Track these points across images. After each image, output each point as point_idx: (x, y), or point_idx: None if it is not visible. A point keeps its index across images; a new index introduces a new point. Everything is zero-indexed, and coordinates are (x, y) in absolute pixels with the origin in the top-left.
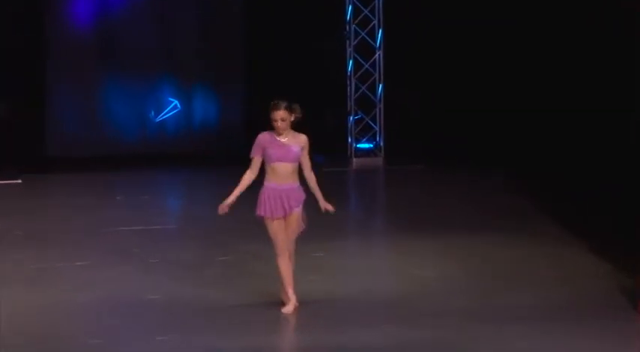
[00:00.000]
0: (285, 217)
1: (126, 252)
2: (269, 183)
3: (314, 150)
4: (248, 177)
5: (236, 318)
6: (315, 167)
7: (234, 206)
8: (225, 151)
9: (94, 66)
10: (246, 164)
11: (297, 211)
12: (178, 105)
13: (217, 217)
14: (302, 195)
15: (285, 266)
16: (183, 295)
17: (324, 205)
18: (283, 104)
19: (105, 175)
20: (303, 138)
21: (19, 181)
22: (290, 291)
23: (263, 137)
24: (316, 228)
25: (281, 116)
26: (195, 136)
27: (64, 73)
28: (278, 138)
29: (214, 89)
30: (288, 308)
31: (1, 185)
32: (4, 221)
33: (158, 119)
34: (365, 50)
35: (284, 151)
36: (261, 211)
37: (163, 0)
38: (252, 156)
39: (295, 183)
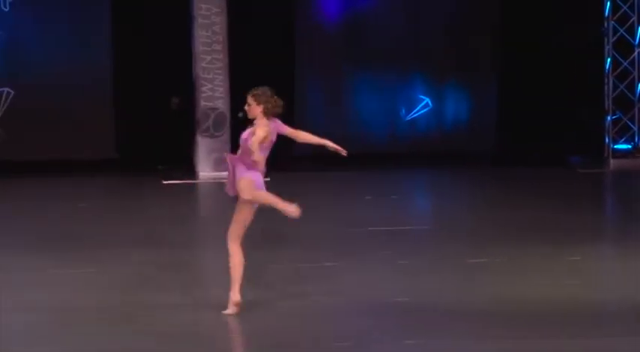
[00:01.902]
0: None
1: (375, 253)
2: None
3: (570, 151)
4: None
5: (487, 322)
6: (570, 168)
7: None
8: (477, 151)
9: (342, 63)
10: (498, 164)
11: None
12: (430, 103)
13: (469, 218)
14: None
15: None
16: (433, 298)
17: (333, 146)
18: (253, 91)
19: (353, 174)
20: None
21: (268, 179)
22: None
23: None
24: (570, 231)
25: (247, 101)
26: (446, 135)
27: (312, 71)
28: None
29: (467, 87)
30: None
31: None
32: (253, 220)
33: (408, 117)
34: (624, 47)
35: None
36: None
37: None
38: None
39: None
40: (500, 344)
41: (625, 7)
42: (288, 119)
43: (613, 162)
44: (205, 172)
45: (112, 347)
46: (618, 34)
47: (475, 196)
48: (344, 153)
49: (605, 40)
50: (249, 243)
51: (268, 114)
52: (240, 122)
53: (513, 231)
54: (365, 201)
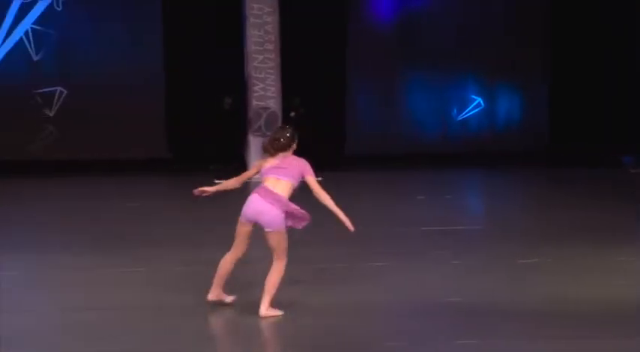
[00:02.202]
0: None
1: (427, 253)
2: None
3: (622, 151)
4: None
5: (539, 322)
6: (622, 168)
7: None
8: (529, 151)
9: (394, 63)
10: (550, 164)
11: None
12: (481, 102)
13: (522, 218)
14: None
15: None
16: (485, 298)
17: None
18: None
19: (404, 174)
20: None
21: (320, 179)
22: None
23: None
24: (621, 231)
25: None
26: (497, 135)
27: (364, 71)
28: None
29: (518, 87)
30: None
31: (302, 182)
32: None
33: (460, 117)
34: None
35: None
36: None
37: None
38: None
39: None
40: (552, 344)
41: None
42: (340, 119)
43: None
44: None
45: (165, 346)
46: None
47: (527, 196)
48: (351, 228)
49: None
50: (305, 243)
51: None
52: (292, 121)
53: (565, 231)
54: (417, 201)
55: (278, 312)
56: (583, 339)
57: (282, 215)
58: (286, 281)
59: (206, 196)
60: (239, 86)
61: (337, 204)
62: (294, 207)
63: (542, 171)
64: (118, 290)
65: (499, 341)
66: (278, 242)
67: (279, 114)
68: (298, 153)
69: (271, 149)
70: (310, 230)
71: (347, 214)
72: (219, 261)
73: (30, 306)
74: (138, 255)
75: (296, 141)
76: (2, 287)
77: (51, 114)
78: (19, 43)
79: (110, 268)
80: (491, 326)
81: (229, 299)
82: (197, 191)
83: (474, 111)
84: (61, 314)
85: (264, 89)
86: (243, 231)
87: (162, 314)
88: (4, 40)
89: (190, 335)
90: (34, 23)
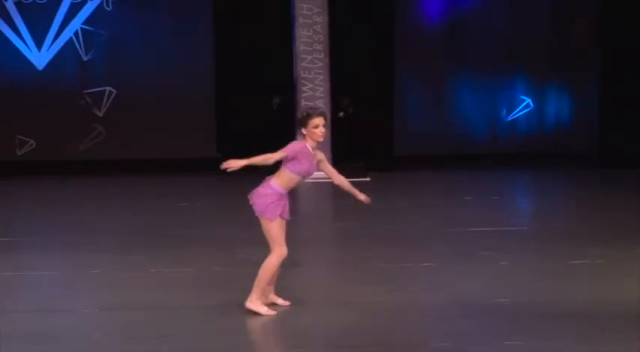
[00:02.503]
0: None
1: (474, 254)
2: (281, 188)
3: None
4: (270, 157)
5: (588, 323)
6: None
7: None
8: (579, 152)
9: (443, 63)
10: (600, 165)
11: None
12: (531, 103)
13: (570, 219)
14: None
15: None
16: (533, 299)
17: (364, 198)
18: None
19: (453, 174)
20: (319, 153)
21: (368, 179)
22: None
23: (302, 147)
24: None
25: (321, 122)
26: (547, 136)
27: (412, 71)
28: (312, 152)
29: (568, 87)
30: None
31: (350, 182)
32: (352, 219)
33: (509, 118)
34: None
35: (313, 167)
36: (277, 214)
37: None
38: (283, 151)
39: None
40: (601, 346)
41: None
42: (388, 120)
43: None
44: None
45: (207, 346)
46: None
47: (577, 197)
48: (367, 200)
49: None
50: (352, 243)
51: None
52: (341, 121)
53: (615, 232)
54: (465, 201)
55: (262, 309)
56: (632, 341)
57: (264, 201)
58: (334, 280)
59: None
60: (288, 86)
61: (385, 203)
62: (260, 191)
63: (593, 172)
64: (162, 290)
65: (547, 342)
66: (264, 230)
67: (328, 114)
68: (348, 152)
69: None
70: (359, 231)
71: (394, 214)
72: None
73: (72, 306)
74: (184, 255)
75: (302, 125)
76: (44, 287)
77: (100, 114)
78: (69, 43)
79: (155, 268)
80: (539, 327)
81: (280, 301)
82: (225, 164)
83: (523, 112)
84: (102, 313)
85: (313, 89)
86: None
87: (204, 313)
88: (53, 41)
89: (232, 335)
90: (83, 23)
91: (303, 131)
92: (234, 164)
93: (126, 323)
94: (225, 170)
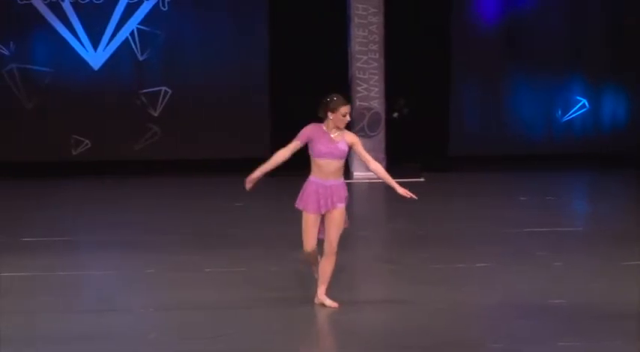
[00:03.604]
0: (324, 213)
1: (529, 254)
2: (314, 177)
3: None
4: (281, 154)
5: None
6: None
7: None
8: (636, 153)
9: (499, 64)
10: None
11: (341, 207)
12: (586, 104)
13: (625, 220)
14: (345, 192)
15: (329, 266)
16: (587, 299)
17: (403, 191)
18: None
19: (508, 175)
20: (351, 135)
21: (422, 180)
22: (322, 290)
23: (314, 128)
24: None
25: (349, 111)
26: (603, 137)
27: (468, 72)
28: (330, 133)
29: (624, 89)
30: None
31: (405, 183)
32: (407, 219)
33: (565, 118)
34: None
35: (332, 148)
36: (300, 204)
37: None
38: (295, 139)
39: (339, 179)
40: None
41: None
42: (444, 120)
43: None
44: (360, 172)
45: (264, 346)
46: None
47: (632, 198)
48: (413, 196)
49: None
50: (407, 244)
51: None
52: (395, 122)
53: None
54: (520, 202)
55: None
56: None
57: (301, 193)
58: (389, 281)
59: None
60: (343, 87)
61: (441, 204)
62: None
63: None
64: (216, 289)
65: (601, 343)
66: None
67: (383, 114)
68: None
69: None
70: (413, 231)
71: (449, 214)
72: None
73: (127, 305)
74: (237, 255)
75: (331, 110)
76: (100, 287)
77: (155, 114)
78: (125, 43)
79: (210, 267)
80: (593, 328)
81: (329, 302)
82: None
83: (578, 113)
84: (158, 313)
85: (368, 90)
86: None
87: (258, 313)
88: (109, 41)
89: (288, 335)
90: (139, 23)
91: (330, 115)
92: (248, 182)
93: (181, 322)
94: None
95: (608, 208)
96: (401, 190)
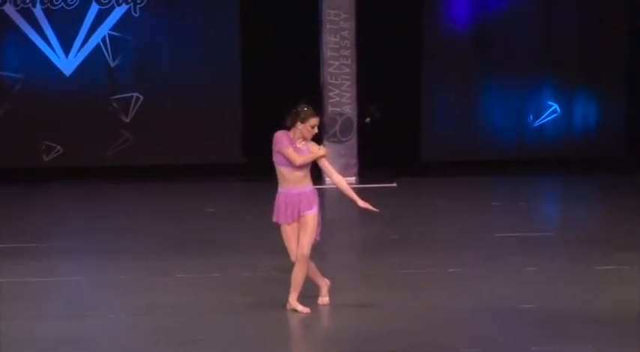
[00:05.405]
0: (297, 221)
1: (502, 259)
2: (281, 188)
3: None
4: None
5: (614, 329)
6: None
7: None
8: (607, 158)
9: (470, 69)
10: (627, 171)
11: (310, 213)
12: (558, 109)
13: (598, 225)
14: (315, 198)
15: (301, 272)
16: (560, 304)
17: (363, 204)
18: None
19: (480, 180)
20: (315, 146)
21: (395, 185)
22: (294, 296)
23: (285, 136)
24: None
25: (318, 123)
26: (574, 141)
27: (440, 77)
28: (296, 143)
29: (595, 93)
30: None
31: (377, 188)
32: (380, 224)
33: (537, 123)
34: None
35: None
36: (275, 218)
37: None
38: (285, 149)
39: (306, 186)
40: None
41: None
42: (416, 125)
43: None
44: None
45: (238, 350)
46: None
47: (604, 203)
48: (374, 209)
49: None
50: (380, 249)
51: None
52: (368, 127)
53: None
54: (493, 207)
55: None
56: None
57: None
58: (362, 286)
59: None
60: (314, 92)
61: (413, 209)
62: None
63: (620, 177)
64: (189, 295)
65: (574, 347)
66: None
67: (355, 120)
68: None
69: None
70: (386, 236)
71: (421, 220)
72: (292, 267)
73: (99, 311)
74: (210, 261)
75: (301, 120)
76: (72, 293)
77: (127, 120)
78: (97, 49)
79: (183, 273)
80: (566, 333)
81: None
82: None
83: (550, 117)
84: (130, 318)
85: (340, 95)
86: None
87: (232, 318)
88: (81, 47)
89: (262, 340)
90: (111, 29)
91: (299, 125)
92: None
93: (154, 328)
94: None
95: (581, 213)
96: (361, 203)
